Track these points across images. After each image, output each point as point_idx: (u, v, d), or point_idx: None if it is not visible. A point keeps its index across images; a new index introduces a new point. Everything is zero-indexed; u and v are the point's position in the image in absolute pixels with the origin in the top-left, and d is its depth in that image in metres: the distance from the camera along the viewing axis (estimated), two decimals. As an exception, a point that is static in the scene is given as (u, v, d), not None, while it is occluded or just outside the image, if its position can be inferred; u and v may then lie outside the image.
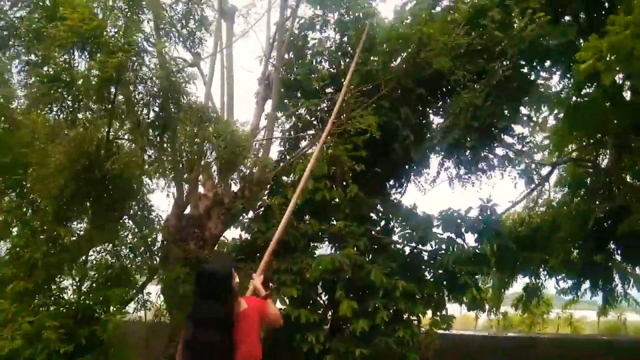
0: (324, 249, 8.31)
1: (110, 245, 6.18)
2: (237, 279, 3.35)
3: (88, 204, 6.18)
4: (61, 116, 6.22)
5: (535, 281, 12.46)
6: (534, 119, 11.44)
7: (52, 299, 5.83)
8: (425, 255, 8.05)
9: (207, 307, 3.14)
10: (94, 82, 5.57)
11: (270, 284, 6.13)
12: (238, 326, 3.19)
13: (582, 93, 9.31)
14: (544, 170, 12.06)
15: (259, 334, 3.43)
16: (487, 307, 11.22)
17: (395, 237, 8.55)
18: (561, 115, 10.14)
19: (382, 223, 8.72)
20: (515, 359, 9.71)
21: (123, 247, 6.30)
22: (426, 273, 8.00)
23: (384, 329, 7.13)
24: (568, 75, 9.30)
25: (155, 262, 6.66)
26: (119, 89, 5.83)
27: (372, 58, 8.97)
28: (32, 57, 6.41)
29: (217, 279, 3.22)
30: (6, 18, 6.51)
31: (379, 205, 8.29)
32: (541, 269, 11.92)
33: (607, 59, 4.08)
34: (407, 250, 8.25)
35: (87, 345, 5.49)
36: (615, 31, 3.83)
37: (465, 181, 9.95)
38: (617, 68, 5.00)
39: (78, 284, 6.08)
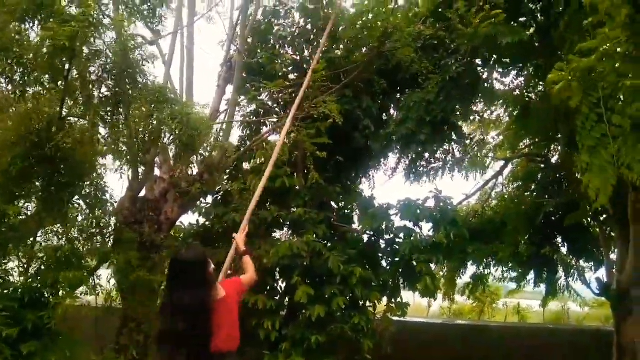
0: (283, 235, 8.28)
1: (61, 226, 5.92)
2: (212, 266, 3.34)
3: (38, 182, 5.92)
4: (9, 90, 5.92)
5: (484, 271, 12.88)
6: (485, 116, 11.84)
7: (-3, 280, 5.57)
8: (383, 244, 8.14)
9: (183, 296, 3.08)
10: (45, 54, 5.30)
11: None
12: (217, 312, 3.18)
13: (534, 91, 9.66)
14: (498, 165, 12.47)
15: (237, 316, 3.43)
16: (440, 295, 11.50)
17: (354, 226, 8.61)
18: (515, 112, 10.50)
19: (342, 211, 8.77)
20: (467, 345, 10.01)
21: (74, 228, 6.06)
22: (383, 261, 8.10)
23: (340, 315, 7.18)
24: (522, 74, 9.58)
25: (107, 245, 6.45)
26: (72, 63, 5.58)
27: (335, 46, 8.98)
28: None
29: (193, 267, 3.19)
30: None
31: (338, 193, 8.31)
32: (490, 260, 12.31)
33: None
34: (365, 238, 8.32)
35: (33, 331, 5.28)
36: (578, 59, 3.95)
37: (420, 174, 10.15)
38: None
39: (25, 266, 5.84)
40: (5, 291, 5.39)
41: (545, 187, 11.44)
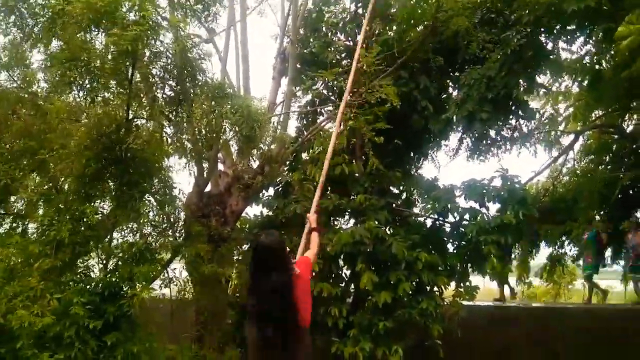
0: (345, 223, 8.30)
1: (134, 223, 6.23)
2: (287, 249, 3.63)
3: (111, 183, 6.25)
4: (81, 97, 6.26)
5: (558, 251, 12.33)
6: (552, 88, 11.22)
7: (79, 276, 5.94)
8: (448, 227, 7.97)
9: (269, 278, 3.30)
10: (111, 60, 5.56)
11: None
12: (296, 290, 3.37)
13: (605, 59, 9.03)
14: (568, 139, 11.83)
15: (310, 296, 3.66)
16: (511, 277, 11.13)
17: (416, 210, 8.48)
18: (584, 82, 9.89)
19: (403, 196, 8.65)
20: (543, 329, 9.60)
21: (147, 224, 6.35)
22: (449, 244, 7.93)
23: (407, 301, 7.12)
24: (591, 42, 8.97)
25: (178, 239, 6.71)
26: (135, 66, 5.82)
27: (388, 27, 8.82)
28: (52, 39, 6.44)
29: (274, 251, 3.41)
30: (27, 2, 6.49)
31: (399, 178, 8.19)
32: (565, 238, 11.77)
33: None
34: (429, 222, 8.18)
35: (114, 322, 5.60)
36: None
37: (484, 154, 9.78)
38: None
39: (104, 261, 6.19)
40: (88, 286, 5.73)
41: (621, 160, 10.76)
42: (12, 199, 7.16)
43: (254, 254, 3.51)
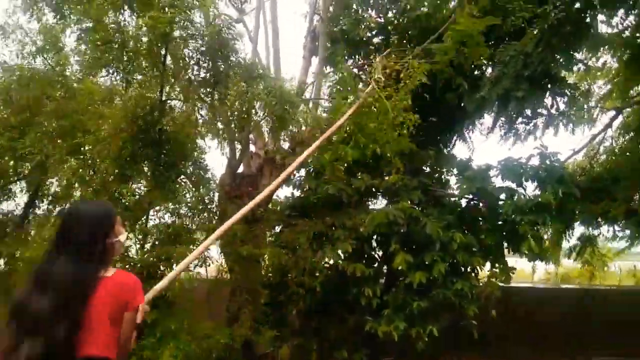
0: (377, 204, 8.24)
1: (170, 204, 6.29)
2: (122, 232, 2.40)
3: (146, 164, 6.30)
4: (115, 79, 6.31)
5: (592, 232, 12.00)
6: (590, 64, 10.79)
7: (118, 257, 6.03)
8: (483, 207, 7.82)
9: (59, 261, 2.18)
10: (145, 42, 5.55)
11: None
12: (98, 298, 2.17)
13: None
14: (607, 117, 11.43)
15: (112, 324, 2.20)
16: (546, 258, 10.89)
17: (450, 190, 8.35)
18: (624, 57, 9.48)
19: (436, 175, 8.52)
20: (579, 310, 9.46)
21: (182, 205, 6.41)
22: (484, 225, 7.79)
23: (442, 281, 7.05)
24: (633, 13, 8.56)
25: (213, 220, 6.77)
26: (168, 48, 5.81)
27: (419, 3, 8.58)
28: (85, 22, 6.48)
29: (88, 224, 2.26)
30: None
31: (432, 158, 8.05)
32: (601, 220, 11.44)
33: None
34: (464, 202, 8.04)
35: (153, 302, 5.68)
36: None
37: (519, 133, 9.53)
38: None
39: (141, 242, 6.28)
40: (127, 266, 5.84)
41: (662, 136, 10.34)
42: (49, 181, 7.32)
43: (59, 224, 2.30)
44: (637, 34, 8.93)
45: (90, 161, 6.50)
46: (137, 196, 6.21)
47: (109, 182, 6.05)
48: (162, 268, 6.10)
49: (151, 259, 6.03)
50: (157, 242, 6.18)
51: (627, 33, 9.07)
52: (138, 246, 6.36)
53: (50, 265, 2.19)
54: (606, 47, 9.54)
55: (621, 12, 8.58)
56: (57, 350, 2.06)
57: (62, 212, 2.55)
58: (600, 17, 8.66)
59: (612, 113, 11.25)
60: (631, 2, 8.17)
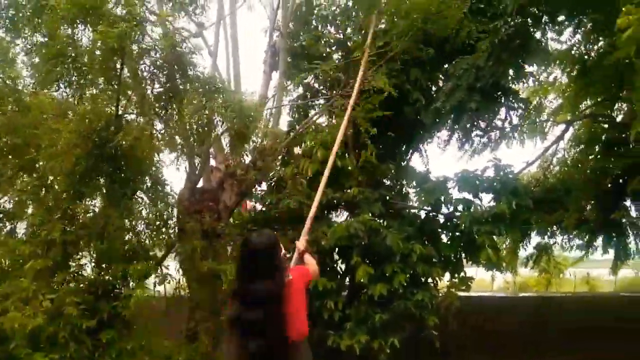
0: (338, 216, 8.28)
1: (127, 221, 6.15)
2: (282, 251, 3.23)
3: (102, 180, 6.16)
4: (68, 93, 6.16)
5: (548, 240, 12.41)
6: (541, 78, 11.23)
7: (72, 276, 5.85)
8: (442, 218, 7.99)
9: (256, 283, 2.97)
10: (98, 56, 5.46)
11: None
12: (288, 300, 3.04)
13: (595, 48, 9.04)
14: (558, 130, 11.88)
15: (306, 306, 3.27)
16: (503, 267, 11.18)
17: (410, 202, 8.49)
18: (573, 72, 9.90)
19: (396, 188, 8.65)
20: (536, 318, 9.71)
21: (139, 222, 6.28)
22: (443, 236, 7.95)
23: (402, 292, 7.12)
24: (579, 32, 8.99)
25: (172, 236, 6.65)
26: (124, 62, 5.72)
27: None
28: (37, 36, 6.34)
29: (266, 253, 3.07)
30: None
31: (392, 170, 8.19)
32: (555, 228, 11.84)
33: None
34: (423, 214, 8.19)
35: (109, 321, 5.55)
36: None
37: (474, 145, 9.81)
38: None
39: (97, 260, 6.11)
40: (81, 285, 5.66)
41: (611, 149, 10.82)
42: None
43: (242, 254, 3.16)
44: (584, 50, 9.37)
45: (43, 178, 6.31)
46: (92, 213, 6.04)
47: (62, 199, 5.89)
48: (118, 286, 5.95)
49: (107, 277, 5.88)
50: (112, 261, 6.01)
51: (574, 50, 9.51)
52: (93, 264, 6.20)
53: (251, 285, 2.98)
54: (557, 62, 9.95)
55: (570, 30, 9.02)
56: (275, 346, 2.94)
57: (243, 244, 3.28)
58: (550, 34, 9.08)
59: (563, 126, 11.70)
60: (577, 21, 8.60)
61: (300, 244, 4.03)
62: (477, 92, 7.80)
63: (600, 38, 8.60)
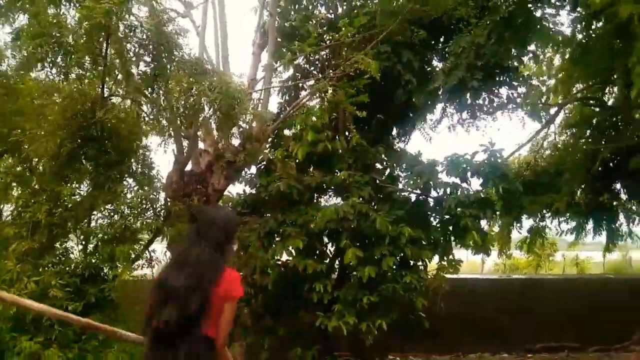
0: (327, 200, 8.27)
1: (113, 204, 6.09)
2: (236, 243, 3.05)
3: (87, 163, 6.09)
4: (53, 74, 6.05)
5: (539, 224, 12.50)
6: (541, 57, 11.13)
7: (58, 258, 5.82)
8: (431, 202, 7.99)
9: (201, 248, 2.63)
10: (83, 35, 5.35)
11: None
12: (215, 295, 2.58)
13: (590, 29, 8.95)
14: (550, 112, 11.86)
15: (233, 317, 2.73)
16: (494, 250, 11.27)
17: (400, 185, 8.47)
18: (567, 54, 9.85)
19: (387, 171, 8.62)
20: (523, 300, 9.81)
21: (125, 205, 6.22)
22: (432, 219, 7.95)
23: (391, 275, 7.15)
24: (577, 11, 8.87)
25: (159, 219, 6.61)
26: (109, 42, 5.61)
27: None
28: (22, 16, 6.20)
29: (223, 224, 2.76)
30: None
31: (382, 154, 8.15)
32: (546, 212, 11.92)
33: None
34: (413, 197, 8.18)
35: (95, 304, 5.53)
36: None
37: (469, 125, 9.77)
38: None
39: (83, 243, 6.08)
40: (67, 268, 5.63)
41: (602, 132, 10.84)
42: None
43: (198, 221, 2.83)
44: (578, 32, 9.27)
45: (27, 160, 6.23)
46: (78, 196, 5.98)
47: (47, 181, 5.82)
48: (105, 269, 5.93)
49: (93, 260, 5.86)
50: (99, 243, 5.98)
51: (569, 31, 9.40)
52: (80, 247, 6.16)
53: (190, 250, 2.65)
54: (555, 44, 9.84)
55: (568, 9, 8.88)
56: (188, 319, 2.45)
57: (199, 211, 3.10)
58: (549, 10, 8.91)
59: (554, 110, 11.68)
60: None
61: None
62: (478, 69, 7.71)
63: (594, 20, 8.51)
